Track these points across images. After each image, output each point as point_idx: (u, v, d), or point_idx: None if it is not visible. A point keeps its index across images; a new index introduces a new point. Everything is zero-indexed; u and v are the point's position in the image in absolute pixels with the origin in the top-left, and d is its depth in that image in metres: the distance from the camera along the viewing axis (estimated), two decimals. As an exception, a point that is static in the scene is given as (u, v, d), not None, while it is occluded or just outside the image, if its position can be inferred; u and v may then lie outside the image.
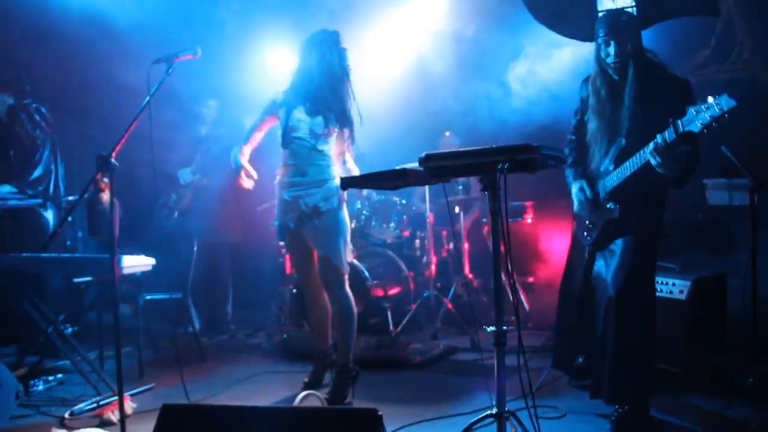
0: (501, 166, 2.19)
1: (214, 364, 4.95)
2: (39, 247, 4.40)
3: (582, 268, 3.47)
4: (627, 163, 3.10)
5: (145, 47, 5.95)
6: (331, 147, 3.97)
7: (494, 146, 2.27)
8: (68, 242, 5.43)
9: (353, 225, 5.61)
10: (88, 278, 4.09)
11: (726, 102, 2.59)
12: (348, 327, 3.95)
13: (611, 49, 3.12)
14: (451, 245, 5.88)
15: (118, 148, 2.96)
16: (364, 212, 5.71)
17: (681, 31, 5.31)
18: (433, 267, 5.52)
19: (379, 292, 5.35)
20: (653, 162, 2.88)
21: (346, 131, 3.99)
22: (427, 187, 5.44)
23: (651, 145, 2.87)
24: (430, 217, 5.51)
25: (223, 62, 6.49)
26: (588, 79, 3.36)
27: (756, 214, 3.77)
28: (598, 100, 3.24)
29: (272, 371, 4.68)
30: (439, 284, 5.77)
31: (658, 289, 4.14)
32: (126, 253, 4.05)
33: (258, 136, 4.16)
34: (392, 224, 5.77)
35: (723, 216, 5.30)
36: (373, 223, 5.76)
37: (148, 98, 3.07)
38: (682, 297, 4.01)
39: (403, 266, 5.68)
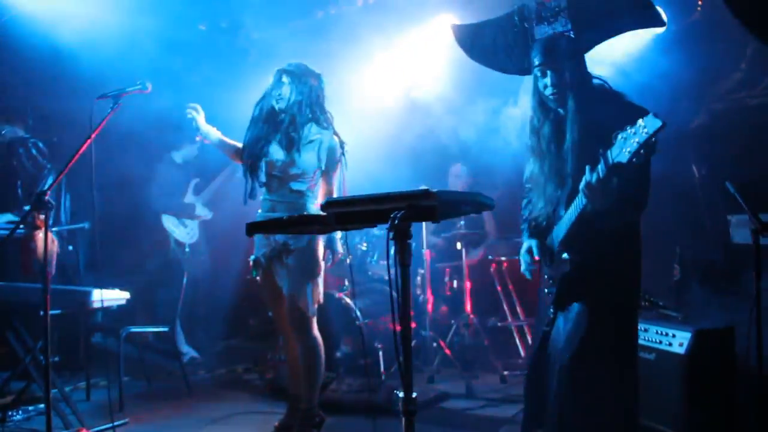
0: (395, 215, 1.99)
1: (197, 401, 4.85)
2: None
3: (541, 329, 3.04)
4: (571, 206, 2.68)
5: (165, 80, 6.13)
6: (309, 185, 3.80)
7: (391, 192, 2.06)
8: (68, 271, 5.46)
9: (349, 260, 5.44)
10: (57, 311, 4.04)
11: (651, 123, 2.19)
12: (312, 371, 3.76)
13: (548, 80, 2.75)
14: (454, 283, 5.62)
15: (53, 185, 2.90)
16: (361, 247, 5.53)
17: (709, 54, 4.96)
18: (429, 306, 5.27)
19: (370, 331, 5.13)
20: (584, 201, 2.52)
21: (332, 174, 3.84)
22: (423, 224, 5.24)
23: (582, 182, 2.48)
24: (426, 253, 5.29)
25: (246, 91, 6.55)
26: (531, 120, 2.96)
27: (760, 257, 3.40)
28: (539, 137, 2.85)
29: (252, 411, 4.53)
30: (437, 324, 5.51)
31: (656, 341, 3.80)
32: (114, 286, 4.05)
33: (237, 150, 3.97)
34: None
35: (746, 257, 4.86)
36: (371, 259, 5.57)
37: (90, 136, 3.02)
38: (681, 351, 3.64)
39: (402, 304, 5.44)
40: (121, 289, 4.14)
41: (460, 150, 5.94)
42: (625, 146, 2.28)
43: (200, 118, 3.89)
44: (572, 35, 2.96)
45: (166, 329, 4.85)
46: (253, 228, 2.40)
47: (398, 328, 2.05)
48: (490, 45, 3.30)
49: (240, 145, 3.89)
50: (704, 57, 4.97)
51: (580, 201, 2.58)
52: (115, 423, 4.12)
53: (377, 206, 2.11)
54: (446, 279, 5.66)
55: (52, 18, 5.23)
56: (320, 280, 3.81)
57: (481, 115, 5.47)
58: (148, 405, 4.71)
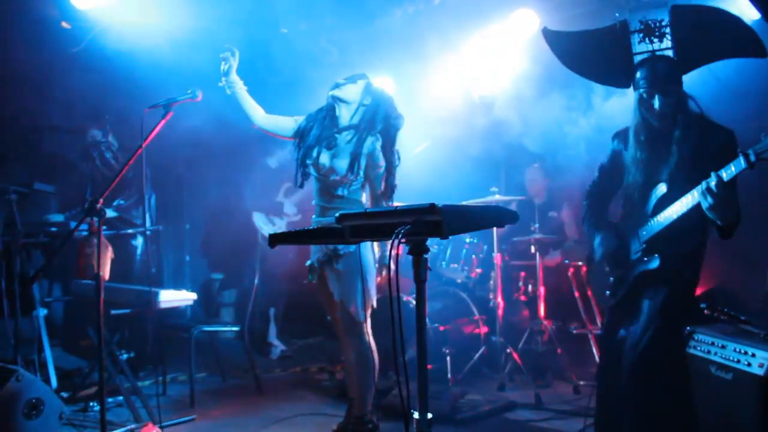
0: (398, 231, 1.91)
1: (267, 399, 4.93)
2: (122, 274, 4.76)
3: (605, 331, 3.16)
4: (671, 206, 2.82)
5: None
6: (355, 191, 3.75)
7: (400, 206, 1.99)
8: (153, 269, 5.72)
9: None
10: (126, 311, 4.23)
11: None
12: (364, 378, 3.72)
13: (656, 102, 2.88)
14: (529, 288, 5.41)
15: (106, 193, 3.01)
16: (433, 249, 5.42)
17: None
18: (500, 311, 5.09)
19: (440, 336, 5.03)
20: (704, 203, 2.58)
21: (381, 183, 3.68)
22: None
23: (703, 183, 2.57)
24: (496, 257, 5.11)
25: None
26: (621, 133, 3.15)
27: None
28: (641, 150, 2.99)
29: (315, 413, 4.55)
30: (510, 330, 5.33)
31: (734, 359, 3.47)
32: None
33: (264, 116, 3.82)
34: (460, 263, 5.42)
35: None
36: (442, 262, 5.45)
37: (140, 145, 3.11)
38: (761, 372, 3.28)
39: (474, 308, 5.31)
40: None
41: (534, 152, 5.71)
42: None
43: (234, 64, 3.69)
44: (673, 55, 3.00)
45: (237, 328, 4.96)
46: (275, 239, 2.38)
47: (473, 329, 1.98)
48: (590, 55, 3.31)
49: (261, 110, 3.81)
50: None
51: (688, 201, 2.69)
52: (183, 419, 4.29)
53: (388, 220, 2.04)
54: (520, 283, 5.46)
55: (135, 28, 5.46)
56: (372, 285, 3.73)
57: (556, 113, 5.24)
58: (219, 402, 4.84)
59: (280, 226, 6.54)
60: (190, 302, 4.33)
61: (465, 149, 5.81)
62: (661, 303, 2.92)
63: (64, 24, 5.56)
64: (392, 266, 1.92)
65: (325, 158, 3.67)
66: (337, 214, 2.17)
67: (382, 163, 3.63)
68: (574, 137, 5.28)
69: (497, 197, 5.15)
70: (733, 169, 2.48)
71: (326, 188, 3.70)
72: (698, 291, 4.73)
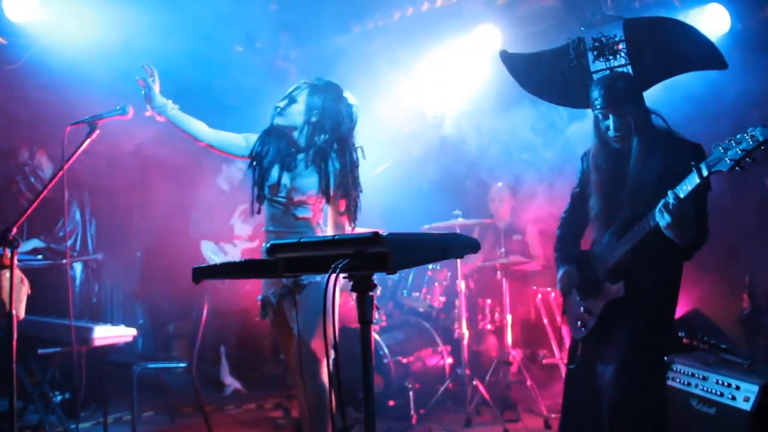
0: (336, 265, 1.62)
1: (214, 441, 4.56)
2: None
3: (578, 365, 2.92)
4: (632, 230, 2.66)
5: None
6: (316, 214, 3.44)
7: (340, 236, 1.71)
8: (93, 299, 5.33)
9: (379, 291, 5.07)
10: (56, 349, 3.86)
11: (762, 132, 2.22)
12: (319, 418, 3.38)
13: (610, 123, 2.73)
14: (495, 316, 5.14)
15: (19, 222, 2.67)
16: (392, 277, 5.13)
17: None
18: (464, 342, 4.80)
19: (403, 369, 4.73)
20: (662, 222, 2.43)
21: (343, 201, 3.37)
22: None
23: (661, 201, 2.42)
24: (458, 285, 4.85)
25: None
26: (588, 154, 2.97)
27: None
28: (600, 175, 2.84)
29: (266, 456, 4.21)
30: (477, 361, 5.05)
31: (717, 392, 3.23)
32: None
33: (210, 132, 3.47)
34: (422, 291, 5.13)
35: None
36: (404, 290, 5.17)
37: (62, 165, 2.78)
38: (747, 407, 3.05)
39: (438, 339, 5.03)
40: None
41: (498, 171, 5.49)
42: (726, 155, 2.27)
43: (156, 88, 3.29)
44: (630, 71, 2.88)
45: (184, 365, 4.58)
46: (200, 273, 2.07)
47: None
48: (545, 77, 3.20)
49: (204, 125, 3.46)
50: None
51: (646, 222, 2.55)
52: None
53: (326, 251, 1.75)
54: (486, 311, 5.18)
55: (78, 43, 5.12)
56: (336, 318, 3.41)
57: (520, 131, 5.04)
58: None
59: (233, 255, 6.15)
60: (129, 338, 3.97)
61: (426, 170, 5.59)
62: (637, 335, 2.72)
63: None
64: (329, 307, 1.62)
65: (286, 179, 3.35)
66: (266, 245, 1.87)
67: (345, 180, 3.33)
68: (539, 156, 5.08)
69: (460, 221, 4.90)
70: (687, 185, 2.36)
71: (286, 212, 3.37)
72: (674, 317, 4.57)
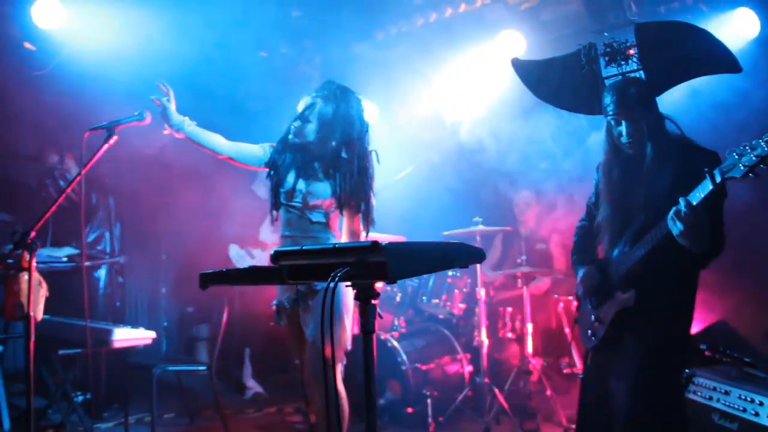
0: (335, 274, 1.62)
1: (231, 445, 4.58)
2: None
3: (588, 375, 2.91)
4: (645, 238, 2.61)
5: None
6: (332, 219, 3.46)
7: (338, 244, 1.70)
8: (117, 302, 5.41)
9: (398, 298, 5.05)
10: (76, 350, 3.92)
11: None
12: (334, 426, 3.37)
13: (623, 129, 2.68)
14: (516, 324, 5.08)
15: (38, 225, 2.72)
16: (412, 283, 5.10)
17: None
18: (484, 350, 4.76)
19: (421, 376, 4.70)
20: (674, 230, 2.39)
21: (356, 207, 3.38)
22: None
23: (673, 209, 2.39)
24: (478, 292, 4.80)
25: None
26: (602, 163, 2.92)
27: None
28: (611, 183, 2.80)
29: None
30: (497, 369, 4.99)
31: (740, 407, 3.15)
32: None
33: (229, 145, 3.48)
34: (441, 298, 5.10)
35: None
36: (423, 297, 5.13)
37: (80, 171, 2.83)
38: (769, 424, 2.98)
39: (458, 346, 4.99)
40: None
41: (522, 178, 5.43)
42: (740, 161, 2.22)
43: (172, 107, 3.30)
44: (643, 77, 2.81)
45: (203, 368, 4.62)
46: (207, 279, 2.09)
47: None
48: (557, 84, 3.14)
49: (222, 138, 3.47)
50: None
51: (659, 231, 2.51)
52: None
53: (327, 260, 1.75)
54: (507, 319, 5.12)
55: (103, 49, 5.21)
56: (348, 324, 3.41)
57: (546, 138, 4.98)
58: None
59: (260, 259, 6.18)
60: (149, 341, 4.01)
61: (446, 177, 5.54)
62: (650, 347, 2.65)
63: (28, 45, 5.31)
64: (338, 312, 1.62)
65: (301, 184, 3.37)
66: (272, 252, 1.88)
67: (357, 186, 3.34)
68: (558, 165, 5.02)
69: (480, 228, 4.85)
70: (700, 192, 2.32)
71: (301, 216, 3.39)
72: (698, 328, 4.47)
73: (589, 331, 2.84)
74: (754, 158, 2.18)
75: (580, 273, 2.91)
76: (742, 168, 2.20)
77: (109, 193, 5.42)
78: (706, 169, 2.30)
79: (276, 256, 1.86)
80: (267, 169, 3.52)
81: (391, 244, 1.61)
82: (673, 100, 3.07)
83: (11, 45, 5.25)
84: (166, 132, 3.29)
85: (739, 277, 4.45)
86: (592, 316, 2.83)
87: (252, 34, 6.02)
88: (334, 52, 6.56)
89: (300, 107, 3.50)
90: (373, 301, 1.80)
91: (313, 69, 7.00)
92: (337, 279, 1.62)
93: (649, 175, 2.64)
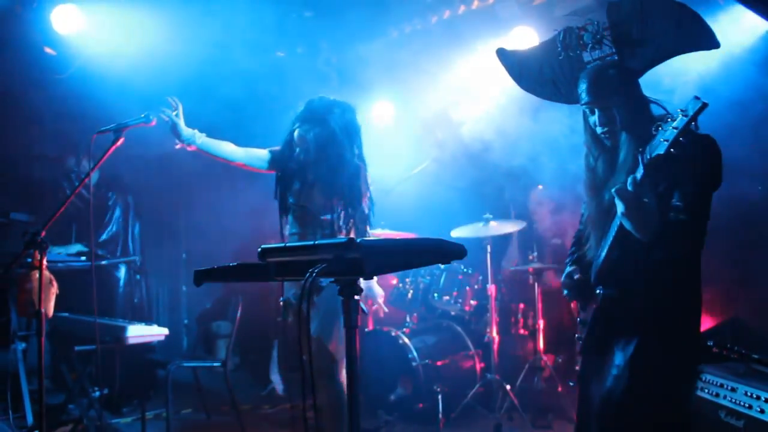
0: (311, 271, 1.66)
1: (244, 440, 4.66)
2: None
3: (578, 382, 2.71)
4: (610, 229, 2.43)
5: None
6: (340, 216, 3.53)
7: (317, 241, 1.73)
8: (135, 299, 5.52)
9: (410, 294, 5.07)
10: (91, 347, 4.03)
11: (692, 105, 2.07)
12: (337, 423, 3.43)
13: (596, 118, 2.51)
14: (528, 320, 5.07)
15: (48, 225, 2.80)
16: (424, 279, 5.11)
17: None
18: (495, 346, 4.76)
19: (432, 372, 4.72)
20: (619, 209, 2.24)
21: (355, 205, 3.51)
22: (488, 256, 4.79)
23: (616, 185, 2.24)
24: (490, 289, 4.80)
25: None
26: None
27: None
28: (594, 176, 2.60)
29: (295, 456, 4.27)
30: (508, 366, 4.98)
31: (746, 404, 3.12)
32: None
33: (240, 151, 3.59)
34: (453, 295, 5.11)
35: None
36: (435, 293, 5.15)
37: (88, 172, 2.91)
38: (779, 424, 2.94)
39: (470, 343, 5.00)
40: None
41: (537, 174, 5.40)
42: (662, 136, 2.11)
43: (181, 121, 3.36)
44: (618, 59, 2.61)
45: (217, 364, 4.70)
46: (200, 276, 2.14)
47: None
48: (537, 74, 2.97)
49: (232, 145, 3.58)
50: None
51: (616, 221, 2.34)
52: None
53: (307, 256, 1.79)
54: (519, 316, 5.12)
55: (121, 54, 5.32)
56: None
57: (560, 134, 4.94)
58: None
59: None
60: (162, 337, 4.11)
61: (462, 172, 5.55)
62: (633, 352, 2.39)
63: (48, 50, 5.45)
64: (303, 310, 1.66)
65: (307, 184, 3.50)
66: (259, 249, 1.92)
67: (349, 187, 3.44)
68: (579, 160, 4.98)
69: (492, 224, 4.86)
70: (638, 173, 2.19)
71: (309, 214, 3.48)
72: (709, 324, 4.40)
73: (576, 335, 2.70)
74: (672, 131, 2.07)
75: (563, 275, 2.77)
76: (664, 143, 2.09)
77: (128, 193, 5.54)
78: (639, 150, 2.20)
79: (263, 253, 1.91)
80: (273, 172, 3.65)
81: (366, 241, 1.64)
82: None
83: (33, 50, 5.39)
84: (177, 146, 3.39)
85: (757, 274, 4.39)
86: (578, 319, 2.71)
87: (267, 36, 6.10)
88: (348, 51, 6.60)
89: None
90: (356, 297, 1.84)
91: (331, 68, 7.06)
92: (314, 275, 1.65)
93: (626, 166, 2.42)
